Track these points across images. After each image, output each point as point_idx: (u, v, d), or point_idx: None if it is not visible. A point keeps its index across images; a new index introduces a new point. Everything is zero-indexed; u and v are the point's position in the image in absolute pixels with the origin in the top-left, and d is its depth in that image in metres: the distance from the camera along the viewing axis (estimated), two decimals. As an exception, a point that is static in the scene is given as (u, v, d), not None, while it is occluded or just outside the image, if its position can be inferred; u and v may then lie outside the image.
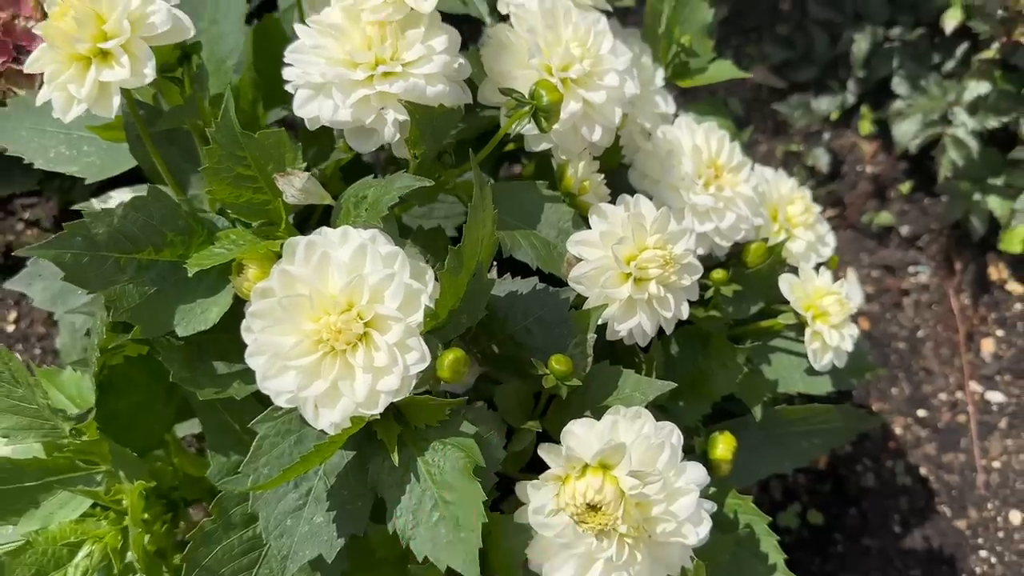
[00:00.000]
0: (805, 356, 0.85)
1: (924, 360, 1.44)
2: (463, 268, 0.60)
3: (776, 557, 0.79)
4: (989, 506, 1.35)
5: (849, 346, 0.82)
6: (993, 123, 1.32)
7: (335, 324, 0.58)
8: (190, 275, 0.59)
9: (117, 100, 0.59)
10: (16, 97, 0.82)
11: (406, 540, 0.61)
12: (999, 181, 1.39)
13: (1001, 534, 1.33)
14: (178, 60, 0.69)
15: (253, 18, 0.85)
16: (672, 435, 0.66)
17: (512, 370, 0.72)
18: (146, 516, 0.72)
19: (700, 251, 0.82)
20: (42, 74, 0.84)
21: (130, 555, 0.70)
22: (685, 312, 0.74)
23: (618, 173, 0.87)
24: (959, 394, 1.43)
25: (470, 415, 0.65)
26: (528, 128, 0.69)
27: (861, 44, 1.46)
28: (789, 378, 0.88)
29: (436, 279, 0.62)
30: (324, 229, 0.60)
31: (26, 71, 0.61)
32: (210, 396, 0.64)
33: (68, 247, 0.58)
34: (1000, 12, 1.24)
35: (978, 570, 1.30)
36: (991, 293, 1.48)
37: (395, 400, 0.59)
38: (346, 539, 0.64)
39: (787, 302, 0.84)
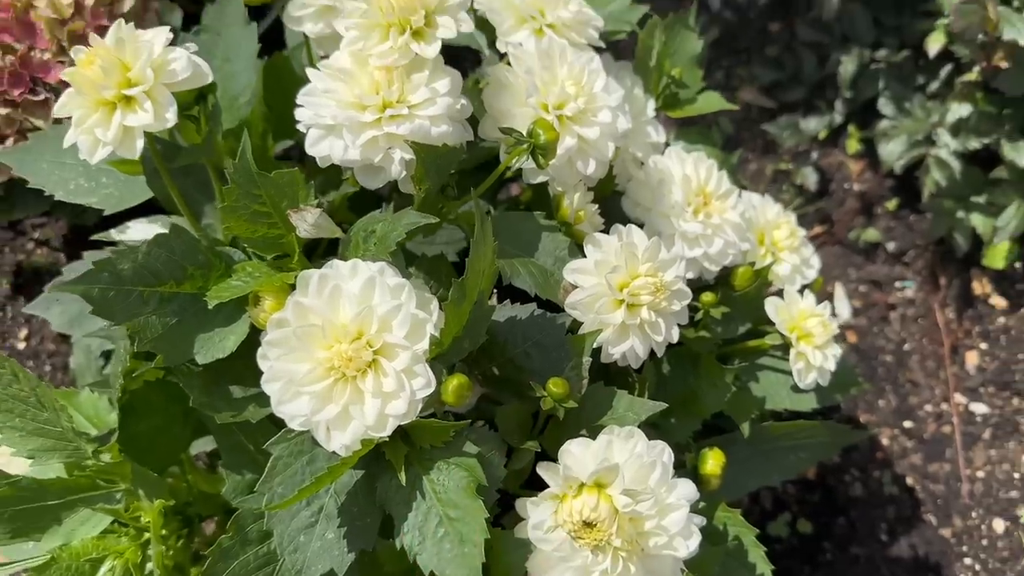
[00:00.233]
0: (791, 374, 0.90)
1: (910, 372, 1.48)
2: (466, 299, 0.64)
3: (764, 568, 0.83)
4: (973, 515, 1.39)
5: (832, 366, 0.86)
6: (975, 144, 1.36)
7: (346, 352, 0.62)
8: (210, 307, 0.63)
9: (140, 143, 0.63)
10: (37, 132, 0.86)
11: (413, 555, 0.65)
12: (982, 199, 1.43)
13: (985, 542, 1.37)
14: (194, 99, 0.73)
15: (262, 54, 0.89)
16: (663, 454, 0.70)
17: (512, 392, 0.76)
18: (164, 532, 0.75)
19: (690, 275, 0.86)
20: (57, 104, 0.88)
21: (150, 566, 0.74)
22: (675, 336, 0.77)
23: (612, 200, 0.91)
24: (944, 406, 1.47)
25: (472, 436, 0.69)
26: (526, 163, 0.73)
27: (848, 66, 1.50)
28: (776, 395, 0.92)
29: (440, 308, 0.66)
30: (335, 262, 0.64)
31: (54, 115, 0.64)
32: (227, 419, 0.68)
33: (96, 282, 0.62)
34: (980, 37, 1.28)
35: (963, 577, 1.35)
36: (975, 307, 1.53)
37: (402, 423, 0.63)
38: (356, 554, 0.67)
39: (774, 323, 0.88)
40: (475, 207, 0.63)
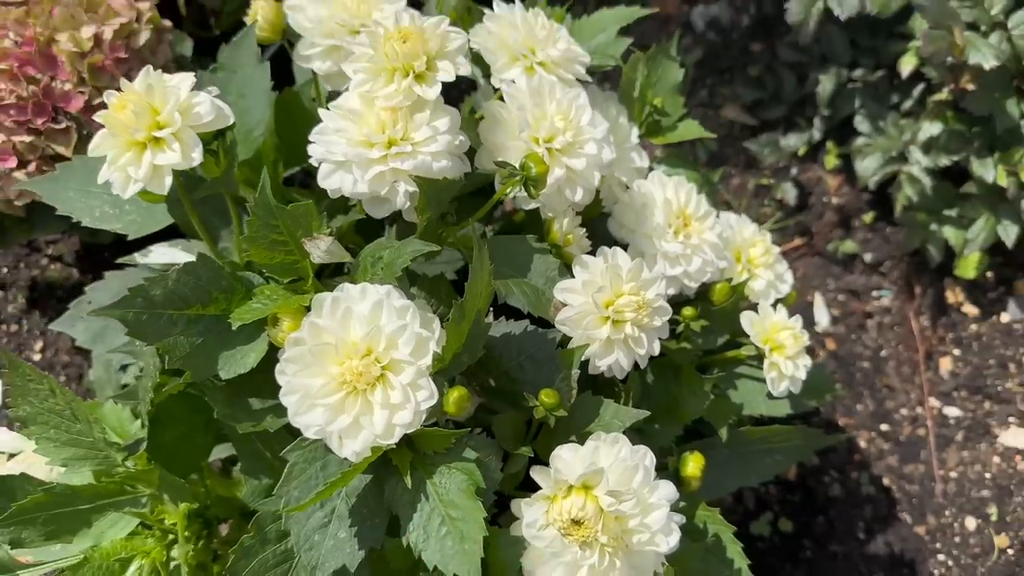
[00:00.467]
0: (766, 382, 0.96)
1: (887, 378, 1.55)
2: (465, 318, 0.71)
3: (741, 563, 0.90)
4: (946, 513, 1.45)
5: (802, 374, 0.92)
6: (945, 161, 1.43)
7: (357, 368, 0.68)
8: (233, 328, 0.70)
9: (169, 180, 0.70)
10: (64, 162, 0.92)
11: (418, 552, 0.71)
12: (953, 213, 1.50)
13: (957, 539, 1.43)
14: (213, 134, 0.79)
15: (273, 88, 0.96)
16: (645, 458, 0.76)
17: (507, 402, 0.82)
18: (187, 533, 0.82)
19: (671, 291, 0.93)
20: (79, 133, 0.94)
21: (174, 565, 0.81)
22: (656, 349, 0.84)
23: (598, 221, 0.97)
24: (919, 409, 1.53)
25: (471, 442, 0.75)
26: (519, 192, 0.80)
27: (826, 85, 1.57)
28: (752, 401, 0.99)
29: (442, 326, 0.73)
30: (345, 285, 0.71)
31: (90, 155, 0.71)
32: (248, 429, 0.74)
33: (131, 307, 0.68)
34: (948, 60, 1.35)
35: (936, 573, 1.40)
36: (948, 315, 1.59)
37: (408, 431, 0.69)
38: (366, 552, 0.74)
39: (749, 335, 0.95)
40: (473, 236, 0.70)
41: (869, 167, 1.49)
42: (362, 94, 0.75)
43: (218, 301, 0.72)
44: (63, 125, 1.10)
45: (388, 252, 0.73)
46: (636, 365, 0.85)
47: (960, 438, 1.51)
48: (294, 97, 0.91)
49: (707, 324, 0.95)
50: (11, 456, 1.37)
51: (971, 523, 1.44)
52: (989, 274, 1.60)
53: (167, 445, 0.81)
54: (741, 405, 0.98)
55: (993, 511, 1.44)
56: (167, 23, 1.19)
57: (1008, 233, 1.45)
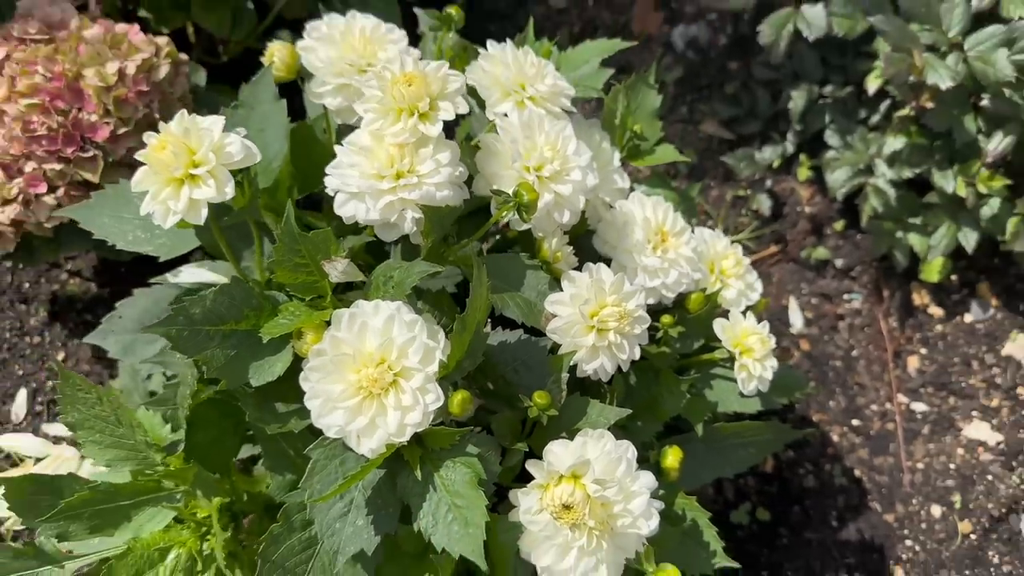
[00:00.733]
0: (738, 382, 1.06)
1: (857, 376, 1.65)
2: (466, 330, 0.80)
3: (716, 545, 0.99)
4: (914, 502, 1.55)
5: (769, 375, 1.02)
6: (908, 174, 1.53)
7: (372, 375, 0.77)
8: (264, 341, 0.79)
9: (205, 212, 0.79)
10: (99, 191, 1.01)
11: (428, 536, 0.81)
12: (917, 221, 1.60)
13: (924, 526, 1.53)
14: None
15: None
16: (628, 451, 0.86)
17: (504, 403, 0.92)
18: (219, 524, 0.91)
19: (651, 301, 1.02)
20: (105, 160, 1.03)
21: (206, 552, 0.90)
22: (637, 354, 0.94)
23: (584, 238, 1.07)
24: (888, 405, 1.63)
25: (473, 440, 0.84)
26: (513, 216, 0.89)
27: (798, 101, 1.67)
28: (726, 400, 1.08)
29: (446, 336, 0.82)
30: (360, 302, 0.80)
31: (133, 189, 0.80)
32: (275, 430, 0.84)
33: (174, 324, 0.77)
34: (910, 79, 1.45)
35: (904, 557, 1.50)
36: (915, 316, 1.69)
37: (417, 430, 0.79)
38: (381, 537, 0.83)
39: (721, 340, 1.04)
40: (473, 258, 0.79)
41: (838, 179, 1.59)
42: (372, 132, 0.84)
43: (249, 318, 0.81)
44: (90, 153, 1.19)
45: (398, 272, 0.82)
46: (619, 368, 0.95)
47: (926, 431, 1.60)
48: (307, 130, 1.00)
49: (684, 330, 1.04)
50: (37, 460, 1.47)
51: (936, 511, 1.54)
52: (953, 277, 1.70)
53: (201, 446, 0.91)
54: (716, 403, 1.08)
55: (957, 499, 1.54)
56: (183, 56, 1.28)
57: (968, 239, 1.55)
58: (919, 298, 1.69)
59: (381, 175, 0.82)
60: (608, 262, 0.99)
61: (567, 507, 0.78)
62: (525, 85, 0.96)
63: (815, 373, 1.63)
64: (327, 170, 0.85)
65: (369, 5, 1.48)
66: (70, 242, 1.31)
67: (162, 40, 1.25)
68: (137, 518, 0.92)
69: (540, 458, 0.84)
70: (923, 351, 1.66)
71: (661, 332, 1.04)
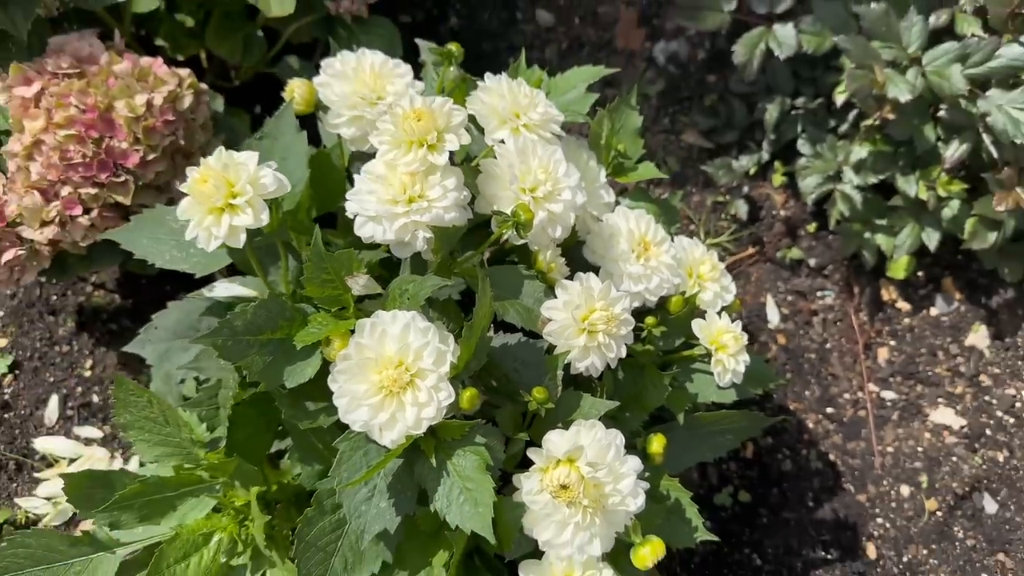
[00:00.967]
0: (716, 375, 1.18)
1: (831, 367, 1.76)
2: (473, 335, 0.92)
3: (697, 521, 1.11)
4: (884, 483, 1.66)
5: (742, 369, 1.13)
6: (873, 180, 1.64)
7: (392, 376, 0.89)
8: (297, 348, 0.91)
9: (243, 236, 0.90)
10: (138, 215, 1.13)
11: (443, 515, 0.92)
12: (884, 222, 1.71)
13: (894, 504, 1.64)
14: (267, 194, 0.99)
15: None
16: (617, 438, 0.97)
17: (506, 398, 1.03)
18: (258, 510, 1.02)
19: (636, 304, 1.14)
20: (136, 184, 1.14)
21: (244, 536, 1.01)
22: (623, 352, 1.05)
23: (575, 248, 1.18)
24: (860, 394, 1.75)
25: (480, 431, 0.96)
26: (511, 232, 1.00)
27: (772, 112, 1.78)
28: (705, 391, 1.19)
29: (455, 341, 0.93)
30: (380, 312, 0.91)
31: (180, 217, 0.91)
32: (307, 425, 0.95)
33: (220, 335, 0.89)
34: (873, 92, 1.57)
35: (876, 534, 1.62)
36: (884, 311, 1.81)
37: (432, 423, 0.90)
38: (401, 518, 0.95)
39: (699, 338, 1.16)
40: (478, 272, 0.91)
41: (809, 185, 1.71)
42: (386, 162, 0.96)
43: (283, 328, 0.93)
44: (122, 178, 1.30)
45: (412, 286, 0.94)
46: (608, 365, 1.06)
47: (896, 417, 1.72)
48: (325, 157, 1.11)
49: (666, 330, 1.16)
50: (71, 461, 1.58)
51: (905, 490, 1.65)
52: (919, 273, 1.82)
53: (240, 442, 1.02)
54: (696, 395, 1.19)
55: (924, 479, 1.65)
56: (203, 86, 1.39)
57: (931, 239, 1.67)
58: (887, 294, 1.81)
59: (395, 200, 0.94)
60: (597, 270, 1.11)
61: (564, 487, 0.90)
62: (519, 114, 1.07)
63: (791, 365, 1.74)
64: (348, 196, 0.96)
65: (372, 34, 1.59)
66: (101, 258, 1.41)
67: (184, 72, 1.36)
68: (181, 507, 1.03)
69: (539, 446, 0.95)
70: (892, 343, 1.78)
71: (645, 332, 1.15)
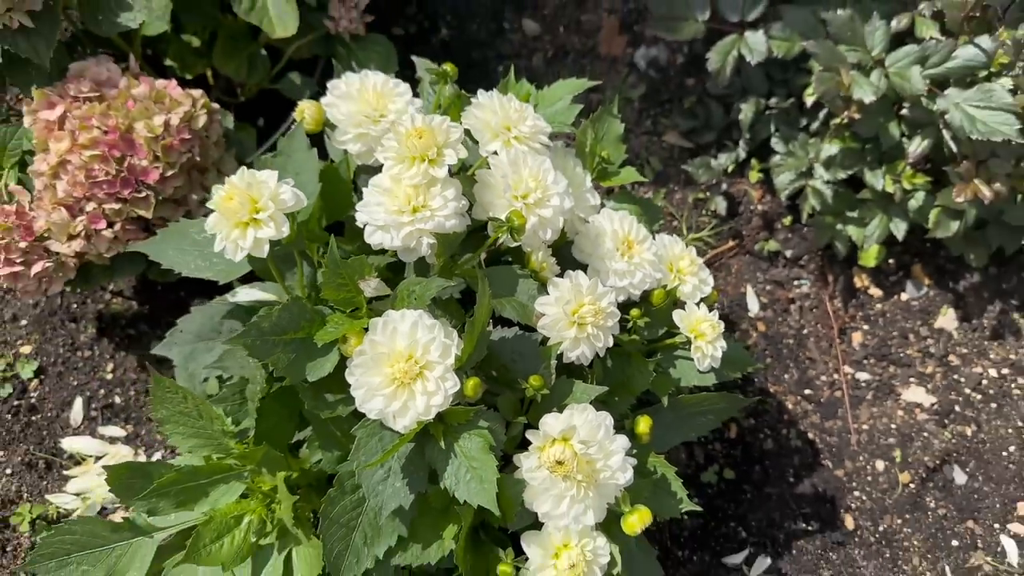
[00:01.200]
0: (696, 361, 1.28)
1: (808, 351, 1.87)
2: (474, 330, 1.03)
3: (681, 493, 1.21)
4: (860, 458, 1.76)
5: (720, 354, 1.24)
6: (842, 175, 1.75)
7: (403, 368, 0.99)
8: (318, 346, 1.01)
9: (267, 247, 1.00)
10: (163, 229, 1.23)
11: (452, 492, 1.02)
12: (854, 214, 1.82)
13: (869, 478, 1.75)
14: (283, 207, 1.10)
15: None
16: (606, 419, 1.08)
17: (506, 386, 1.14)
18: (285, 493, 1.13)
19: (621, 298, 1.24)
20: (156, 199, 1.25)
21: (272, 517, 1.12)
22: (611, 342, 1.16)
23: (564, 247, 1.28)
24: (836, 375, 1.85)
25: (483, 416, 1.06)
26: (506, 236, 1.11)
27: (747, 113, 1.88)
28: (687, 376, 1.29)
29: (459, 336, 1.04)
30: (390, 312, 1.02)
31: (208, 231, 1.01)
32: (327, 415, 1.06)
33: (249, 336, 0.99)
34: (840, 94, 1.68)
35: (853, 506, 1.73)
36: (857, 297, 1.92)
37: (440, 410, 1.01)
38: (414, 495, 1.05)
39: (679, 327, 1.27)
40: (478, 273, 1.02)
41: (783, 181, 1.81)
42: (392, 176, 1.06)
43: (304, 328, 1.03)
44: (144, 194, 1.40)
45: (419, 287, 1.04)
46: (597, 354, 1.17)
47: (870, 397, 1.83)
48: (333, 171, 1.21)
49: (649, 321, 1.26)
50: (97, 459, 1.68)
51: (880, 465, 1.76)
52: (890, 261, 1.93)
53: (266, 432, 1.12)
54: (679, 379, 1.29)
55: (898, 454, 1.76)
56: (215, 105, 1.50)
57: (899, 229, 1.78)
58: (860, 281, 1.92)
59: (401, 211, 1.04)
60: (585, 268, 1.21)
61: (559, 463, 1.00)
62: (510, 127, 1.17)
63: (771, 350, 1.85)
64: (358, 207, 1.06)
65: (369, 50, 1.69)
66: (122, 268, 1.52)
67: (197, 92, 1.46)
68: (213, 493, 1.14)
69: (537, 429, 1.06)
70: (865, 327, 1.89)
71: (631, 323, 1.25)
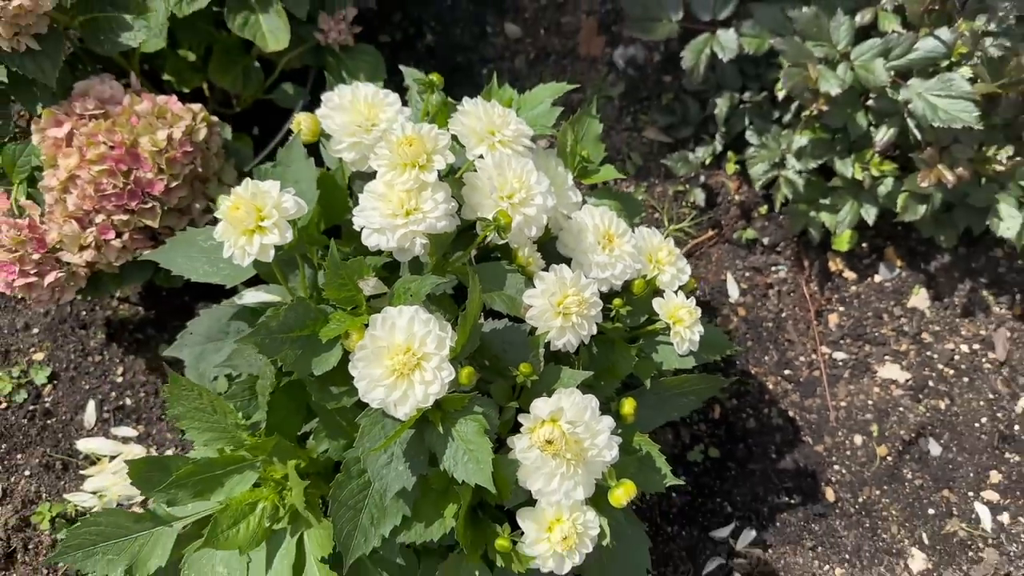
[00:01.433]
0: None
1: (787, 334, 1.96)
2: (467, 323, 1.11)
3: (665, 469, 1.30)
4: (839, 434, 1.85)
5: (697, 338, 1.32)
6: (812, 165, 1.83)
7: (402, 360, 1.07)
8: (323, 342, 1.09)
9: (273, 252, 1.08)
10: (172, 238, 1.31)
11: (451, 473, 1.10)
12: (826, 201, 1.91)
13: (848, 453, 1.83)
14: (284, 213, 1.18)
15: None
16: (592, 402, 1.16)
17: (498, 374, 1.22)
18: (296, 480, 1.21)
19: (603, 288, 1.32)
20: (162, 209, 1.32)
21: (286, 503, 1.20)
22: (594, 330, 1.24)
23: (549, 243, 1.36)
24: (814, 356, 1.94)
25: (478, 402, 1.14)
26: (494, 235, 1.19)
27: (722, 107, 1.96)
28: (668, 360, 1.37)
29: (453, 328, 1.12)
30: (388, 308, 1.10)
31: (217, 239, 1.09)
32: (333, 405, 1.14)
33: (259, 335, 1.07)
34: (809, 87, 1.76)
35: (833, 479, 1.81)
36: (832, 280, 2.00)
37: (438, 398, 1.09)
38: (416, 478, 1.13)
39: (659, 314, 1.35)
40: (469, 271, 1.10)
41: (758, 171, 1.90)
42: (385, 182, 1.14)
43: (309, 326, 1.11)
44: (150, 205, 1.48)
45: (414, 285, 1.12)
46: (583, 342, 1.25)
47: (847, 375, 1.91)
48: (330, 178, 1.29)
49: (631, 309, 1.34)
50: (111, 458, 1.76)
51: (858, 440, 1.84)
52: (863, 245, 2.01)
53: (276, 424, 1.21)
54: (660, 363, 1.37)
55: (875, 428, 1.85)
56: (214, 119, 1.57)
57: (869, 214, 1.87)
58: (834, 265, 2.01)
59: (395, 214, 1.12)
60: (568, 262, 1.29)
61: (549, 442, 1.09)
62: (494, 132, 1.25)
63: (751, 334, 1.94)
64: (355, 212, 1.14)
65: (358, 60, 1.77)
66: (131, 276, 1.59)
67: (196, 107, 1.54)
68: (228, 483, 1.22)
69: (528, 413, 1.14)
70: (841, 309, 1.97)
71: (614, 311, 1.33)
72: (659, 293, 1.37)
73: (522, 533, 1.16)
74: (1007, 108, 1.74)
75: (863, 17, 1.78)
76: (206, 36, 1.74)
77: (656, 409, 1.40)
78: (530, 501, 1.17)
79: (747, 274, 1.99)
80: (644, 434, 1.31)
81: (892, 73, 1.72)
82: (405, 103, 1.35)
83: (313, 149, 1.33)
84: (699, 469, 1.80)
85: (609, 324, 1.34)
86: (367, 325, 1.09)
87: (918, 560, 1.74)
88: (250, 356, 1.26)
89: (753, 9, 1.84)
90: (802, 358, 1.92)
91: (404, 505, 1.16)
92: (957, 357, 1.93)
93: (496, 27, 2.17)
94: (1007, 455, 1.84)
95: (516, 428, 1.17)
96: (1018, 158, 1.76)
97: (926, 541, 1.76)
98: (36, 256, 1.48)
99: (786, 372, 1.91)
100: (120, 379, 1.83)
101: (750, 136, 1.95)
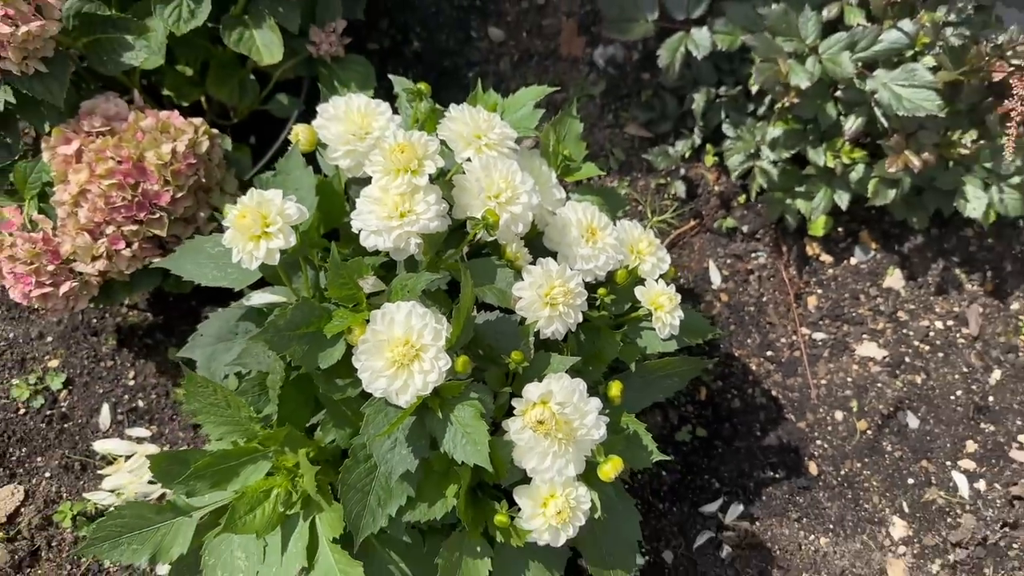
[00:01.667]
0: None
1: (768, 317, 2.04)
2: (461, 315, 1.19)
3: (651, 446, 1.38)
4: (820, 410, 1.94)
5: (678, 323, 1.40)
6: (786, 154, 1.92)
7: (401, 352, 1.15)
8: (328, 337, 1.18)
9: (278, 256, 1.17)
10: (180, 246, 1.39)
11: (451, 455, 1.19)
12: (801, 189, 2.00)
13: (830, 428, 1.92)
14: (287, 219, 1.26)
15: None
16: (580, 385, 1.24)
17: (491, 362, 1.30)
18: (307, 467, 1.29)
19: (588, 279, 1.41)
20: (169, 219, 1.40)
21: (298, 490, 1.28)
22: (580, 318, 1.32)
23: (536, 238, 1.45)
24: (794, 337, 2.02)
25: (473, 388, 1.22)
26: (483, 232, 1.27)
27: (699, 102, 2.04)
28: (652, 344, 1.45)
29: (448, 321, 1.21)
30: (387, 304, 1.18)
31: (225, 245, 1.18)
32: (339, 396, 1.22)
33: (268, 333, 1.15)
34: (780, 80, 1.84)
35: (816, 454, 1.90)
36: (810, 264, 2.09)
37: (436, 386, 1.17)
38: (419, 461, 1.22)
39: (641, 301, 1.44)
40: (461, 267, 1.18)
41: (735, 163, 1.98)
42: (380, 186, 1.23)
43: (314, 323, 1.19)
44: (157, 215, 1.56)
45: (411, 282, 1.21)
46: (570, 330, 1.34)
47: (827, 355, 2.00)
48: (327, 185, 1.38)
49: (615, 297, 1.42)
50: (127, 458, 1.84)
51: (839, 415, 1.93)
52: (839, 229, 2.10)
53: (286, 415, 1.29)
54: (644, 347, 1.45)
55: (855, 404, 1.93)
56: (215, 131, 1.65)
57: (842, 199, 1.95)
58: (811, 249, 2.09)
59: (391, 217, 1.21)
60: (554, 255, 1.37)
61: (540, 422, 1.17)
62: (480, 135, 1.33)
63: (734, 318, 2.02)
64: (352, 216, 1.23)
65: (349, 70, 1.85)
66: (140, 283, 1.68)
67: (198, 120, 1.62)
68: (243, 473, 1.30)
69: (520, 397, 1.23)
70: (819, 291, 2.06)
71: (599, 300, 1.42)
72: (641, 282, 1.45)
73: (519, 509, 1.25)
74: (969, 94, 1.83)
75: (830, 12, 1.86)
76: (203, 52, 1.82)
77: (642, 391, 1.49)
78: (525, 479, 1.25)
79: (728, 261, 2.07)
80: (631, 415, 1.40)
81: (858, 65, 1.80)
82: (395, 110, 1.43)
83: (310, 158, 1.41)
84: (687, 448, 1.88)
85: (595, 312, 1.43)
86: (368, 320, 1.17)
87: (899, 527, 1.83)
88: (259, 354, 1.34)
89: (725, 7, 1.92)
90: (783, 339, 2.01)
91: (408, 487, 1.24)
92: (932, 333, 2.01)
93: (480, 31, 2.25)
94: (982, 425, 1.92)
95: (510, 412, 1.25)
96: (982, 141, 1.84)
97: (906, 509, 1.84)
98: (51, 267, 1.56)
99: (768, 353, 1.99)
100: (132, 382, 1.91)
101: (727, 129, 2.03)
